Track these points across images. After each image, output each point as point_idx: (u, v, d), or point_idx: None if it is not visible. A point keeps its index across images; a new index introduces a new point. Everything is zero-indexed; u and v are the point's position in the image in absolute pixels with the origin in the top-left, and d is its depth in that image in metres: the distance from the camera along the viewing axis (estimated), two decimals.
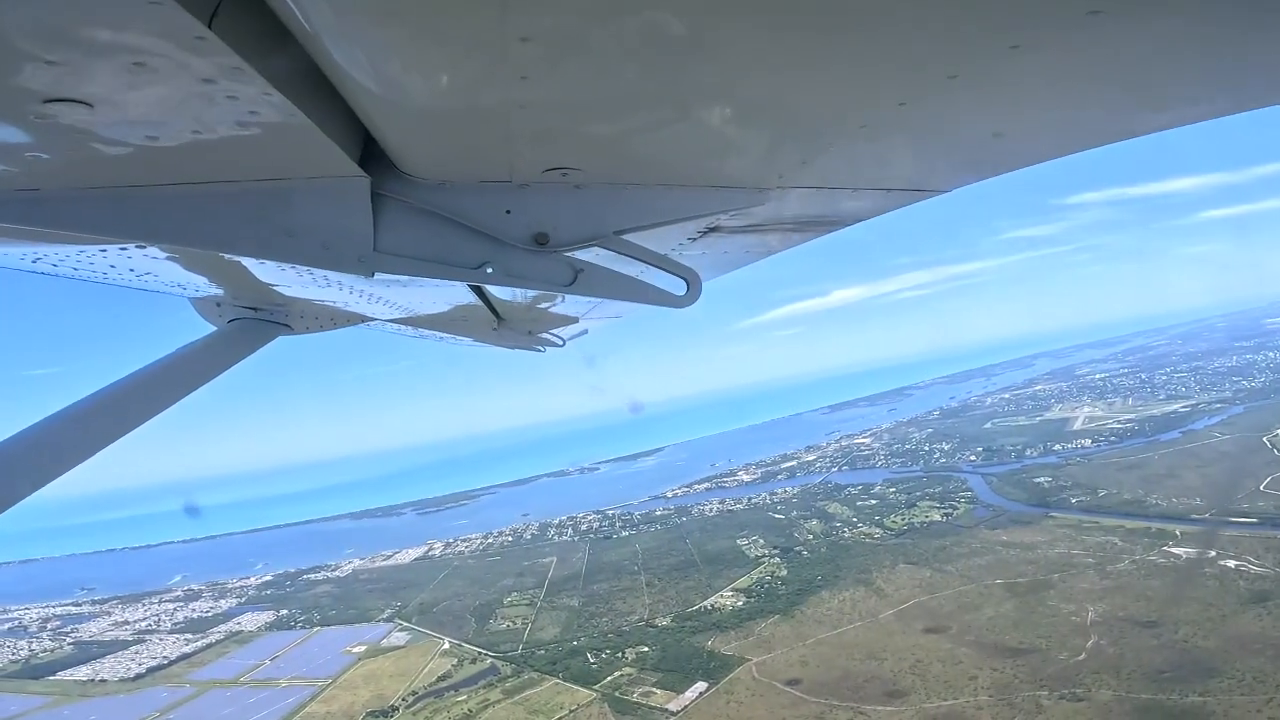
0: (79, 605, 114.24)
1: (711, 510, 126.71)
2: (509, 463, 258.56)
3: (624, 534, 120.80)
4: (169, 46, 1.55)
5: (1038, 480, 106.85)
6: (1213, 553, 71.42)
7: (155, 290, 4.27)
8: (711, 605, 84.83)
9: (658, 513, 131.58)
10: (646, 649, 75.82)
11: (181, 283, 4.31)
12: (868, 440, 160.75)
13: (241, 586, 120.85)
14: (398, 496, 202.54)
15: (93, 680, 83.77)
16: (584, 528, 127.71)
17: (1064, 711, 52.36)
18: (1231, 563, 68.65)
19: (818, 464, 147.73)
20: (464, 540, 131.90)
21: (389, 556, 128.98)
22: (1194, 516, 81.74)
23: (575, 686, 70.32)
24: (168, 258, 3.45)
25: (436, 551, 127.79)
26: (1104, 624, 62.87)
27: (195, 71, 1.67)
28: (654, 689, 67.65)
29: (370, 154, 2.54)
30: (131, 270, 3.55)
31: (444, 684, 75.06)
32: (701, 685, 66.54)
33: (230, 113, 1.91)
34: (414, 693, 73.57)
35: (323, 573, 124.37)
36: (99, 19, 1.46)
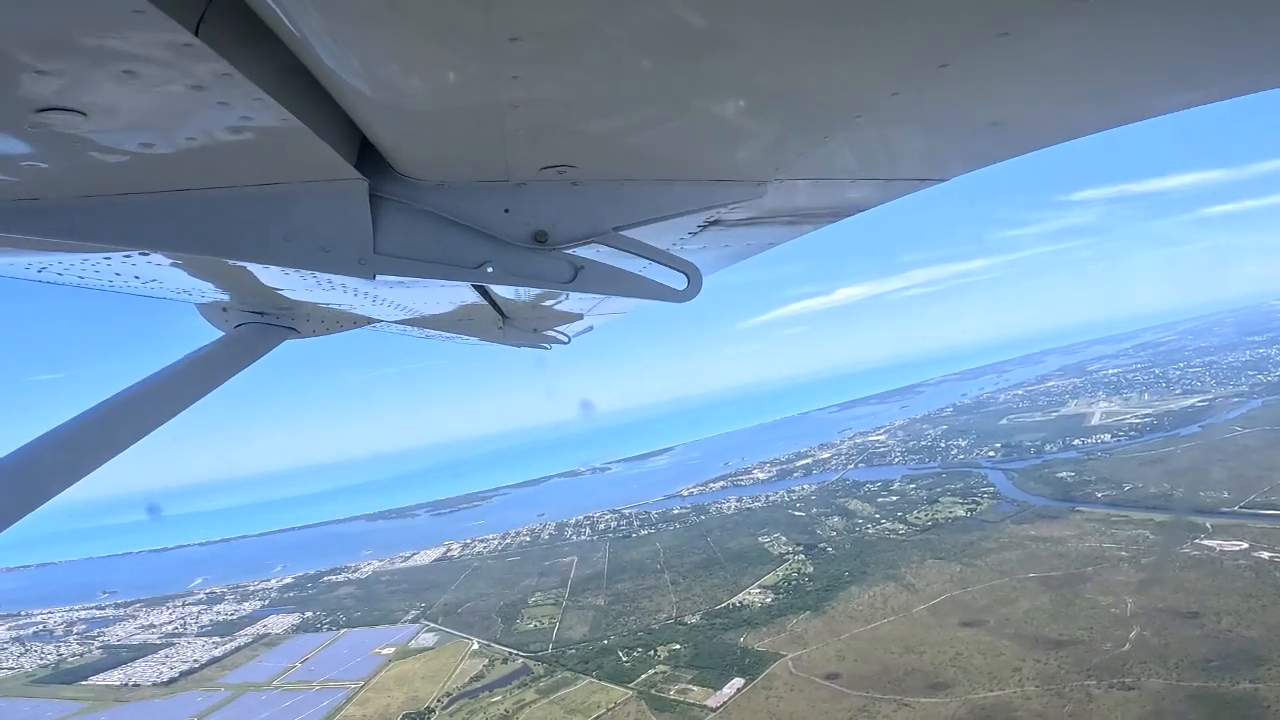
0: (102, 609, 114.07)
1: (729, 508, 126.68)
2: (518, 464, 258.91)
3: (643, 533, 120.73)
4: (156, 54, 1.52)
5: (1060, 475, 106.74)
6: (1245, 544, 71.57)
7: (161, 297, 4.26)
8: (740, 602, 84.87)
9: (675, 511, 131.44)
10: (678, 646, 75.73)
11: (187, 289, 4.29)
12: (882, 437, 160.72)
13: (263, 589, 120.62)
14: (410, 498, 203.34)
15: (126, 685, 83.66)
16: (601, 527, 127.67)
17: (1116, 700, 52.42)
18: (1265, 554, 68.87)
19: (833, 461, 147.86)
20: (481, 541, 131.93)
21: (408, 557, 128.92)
22: (1223, 510, 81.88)
23: (610, 685, 70.25)
24: (172, 264, 3.42)
25: (455, 552, 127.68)
26: (1145, 615, 62.89)
27: (184, 79, 1.64)
28: (690, 686, 67.67)
29: (367, 156, 2.53)
30: (136, 278, 3.51)
31: (478, 685, 74.98)
32: (738, 681, 66.56)
33: (223, 119, 1.91)
34: (448, 694, 73.53)
35: (343, 574, 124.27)
36: (86, 27, 1.43)
